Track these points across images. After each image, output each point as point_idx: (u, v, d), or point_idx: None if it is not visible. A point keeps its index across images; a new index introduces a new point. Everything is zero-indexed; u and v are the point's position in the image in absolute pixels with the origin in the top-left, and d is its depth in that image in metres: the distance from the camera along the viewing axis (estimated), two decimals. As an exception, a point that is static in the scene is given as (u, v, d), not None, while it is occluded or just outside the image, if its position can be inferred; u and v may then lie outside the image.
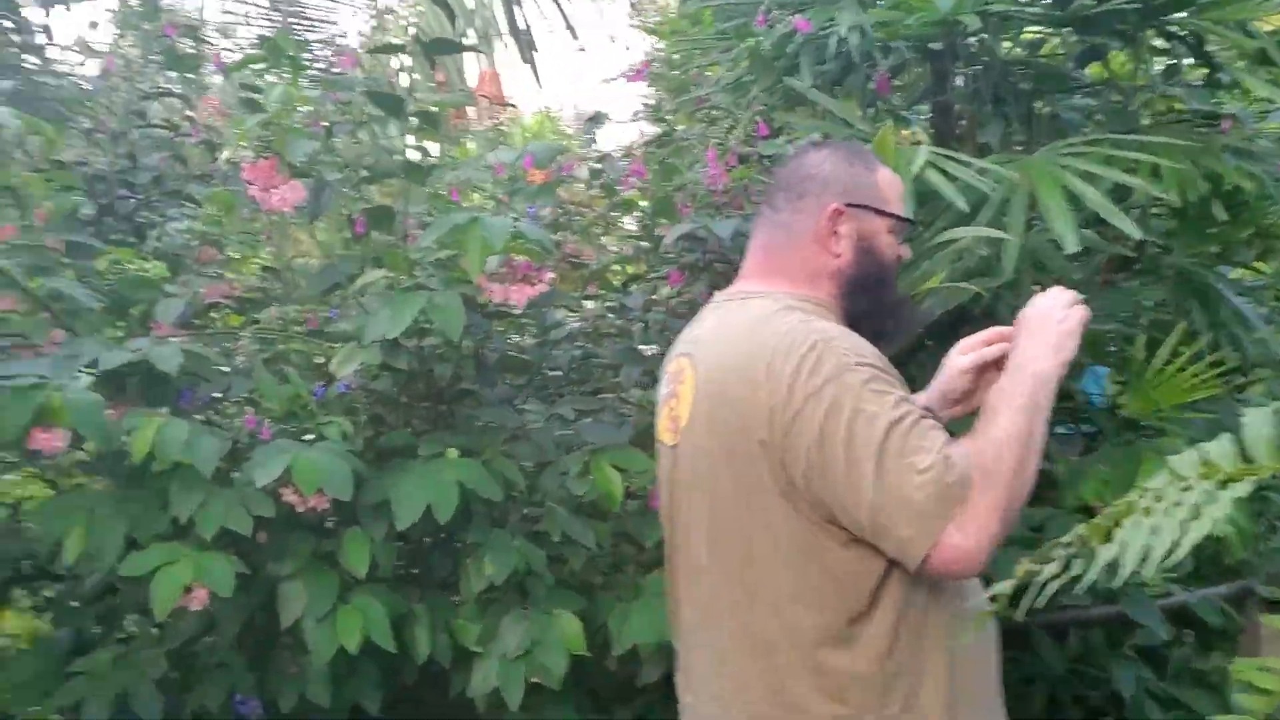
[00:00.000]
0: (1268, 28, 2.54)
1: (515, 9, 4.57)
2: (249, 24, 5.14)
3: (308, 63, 2.57)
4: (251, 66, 2.53)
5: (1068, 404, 2.71)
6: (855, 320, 1.55)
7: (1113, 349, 2.74)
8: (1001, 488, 1.35)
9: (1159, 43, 2.72)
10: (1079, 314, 1.51)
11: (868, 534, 1.37)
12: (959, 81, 2.85)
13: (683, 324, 2.57)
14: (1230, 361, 2.50)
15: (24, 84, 2.47)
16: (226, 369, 2.50)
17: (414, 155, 2.55)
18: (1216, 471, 1.04)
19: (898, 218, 1.61)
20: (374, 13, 4.76)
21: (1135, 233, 2.21)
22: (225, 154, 2.78)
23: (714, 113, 2.79)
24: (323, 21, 5.05)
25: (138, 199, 2.84)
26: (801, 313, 1.49)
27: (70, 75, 2.71)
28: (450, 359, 2.48)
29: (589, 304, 3.07)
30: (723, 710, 1.51)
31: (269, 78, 2.52)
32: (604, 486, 2.35)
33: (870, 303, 1.58)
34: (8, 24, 2.64)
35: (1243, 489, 1.00)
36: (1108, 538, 1.05)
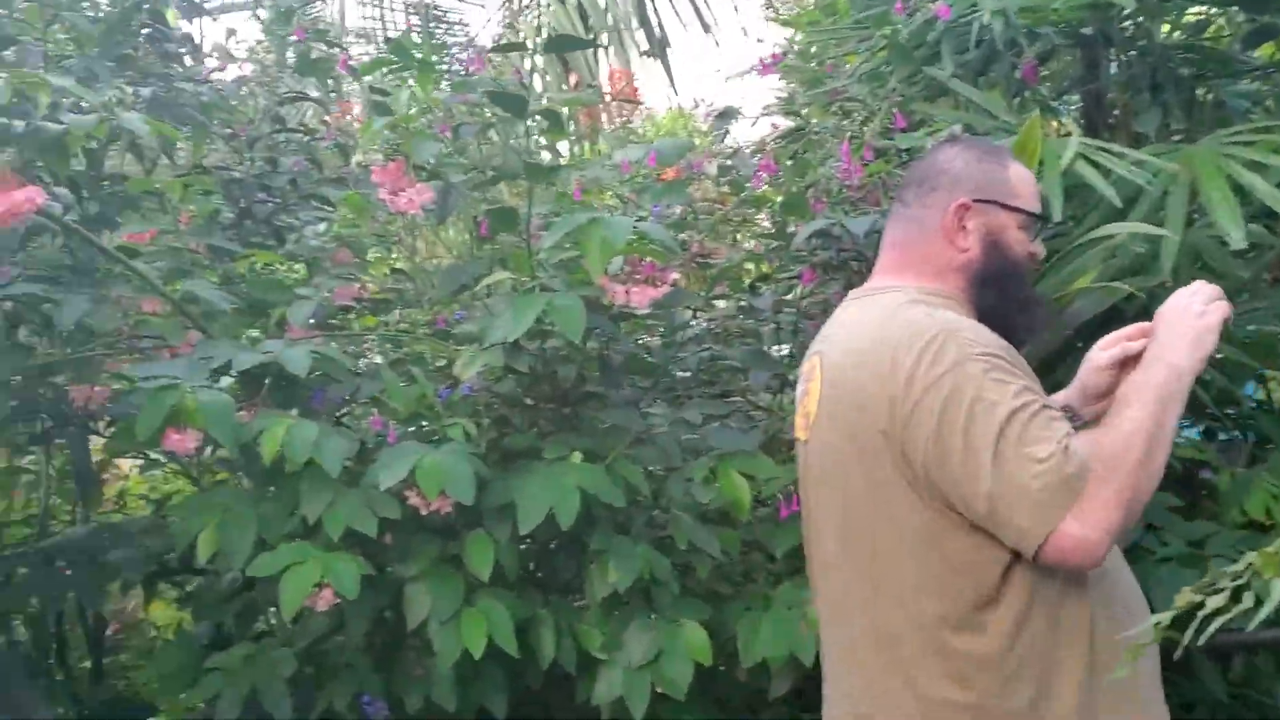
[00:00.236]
0: None
1: (648, 6, 4.53)
2: (386, 30, 5.23)
3: (439, 65, 2.57)
4: (382, 70, 2.54)
5: (1231, 409, 2.54)
6: (984, 315, 1.55)
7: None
8: (1125, 479, 1.34)
9: (1338, 21, 2.51)
10: (1220, 309, 1.48)
11: (984, 522, 1.37)
12: (1112, 68, 2.70)
13: (813, 325, 2.52)
14: None
15: (165, 91, 2.53)
16: (359, 371, 2.53)
17: (545, 156, 2.54)
18: None
19: (1028, 213, 1.60)
20: (507, 15, 4.79)
21: (1310, 226, 2.04)
22: (357, 157, 2.81)
23: (849, 105, 2.69)
24: (459, 25, 5.12)
25: (275, 203, 2.89)
26: (928, 305, 1.50)
27: (210, 82, 2.78)
28: (574, 361, 2.45)
29: (721, 304, 3.01)
30: (852, 706, 1.53)
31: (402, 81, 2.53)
32: (731, 494, 2.29)
33: (999, 297, 1.57)
34: (152, 32, 2.71)
35: None
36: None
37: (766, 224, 2.89)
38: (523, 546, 2.44)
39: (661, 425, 2.57)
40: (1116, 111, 2.66)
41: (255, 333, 2.66)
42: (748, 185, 2.56)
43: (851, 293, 1.68)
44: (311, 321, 2.53)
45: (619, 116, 3.49)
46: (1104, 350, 1.56)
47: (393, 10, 5.15)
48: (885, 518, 1.46)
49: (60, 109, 1.97)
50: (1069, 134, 2.42)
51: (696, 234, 2.60)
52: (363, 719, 2.31)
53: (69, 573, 2.72)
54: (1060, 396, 1.61)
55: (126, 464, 3.47)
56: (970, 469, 1.36)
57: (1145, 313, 2.18)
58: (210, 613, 2.68)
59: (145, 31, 2.75)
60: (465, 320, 2.55)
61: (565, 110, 2.56)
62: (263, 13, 3.24)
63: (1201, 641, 0.98)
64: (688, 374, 2.88)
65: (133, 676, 3.38)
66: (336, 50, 2.85)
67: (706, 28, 4.91)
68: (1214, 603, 0.98)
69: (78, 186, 2.68)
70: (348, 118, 3.17)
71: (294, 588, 2.09)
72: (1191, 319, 1.46)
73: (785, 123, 3.10)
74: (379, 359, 2.59)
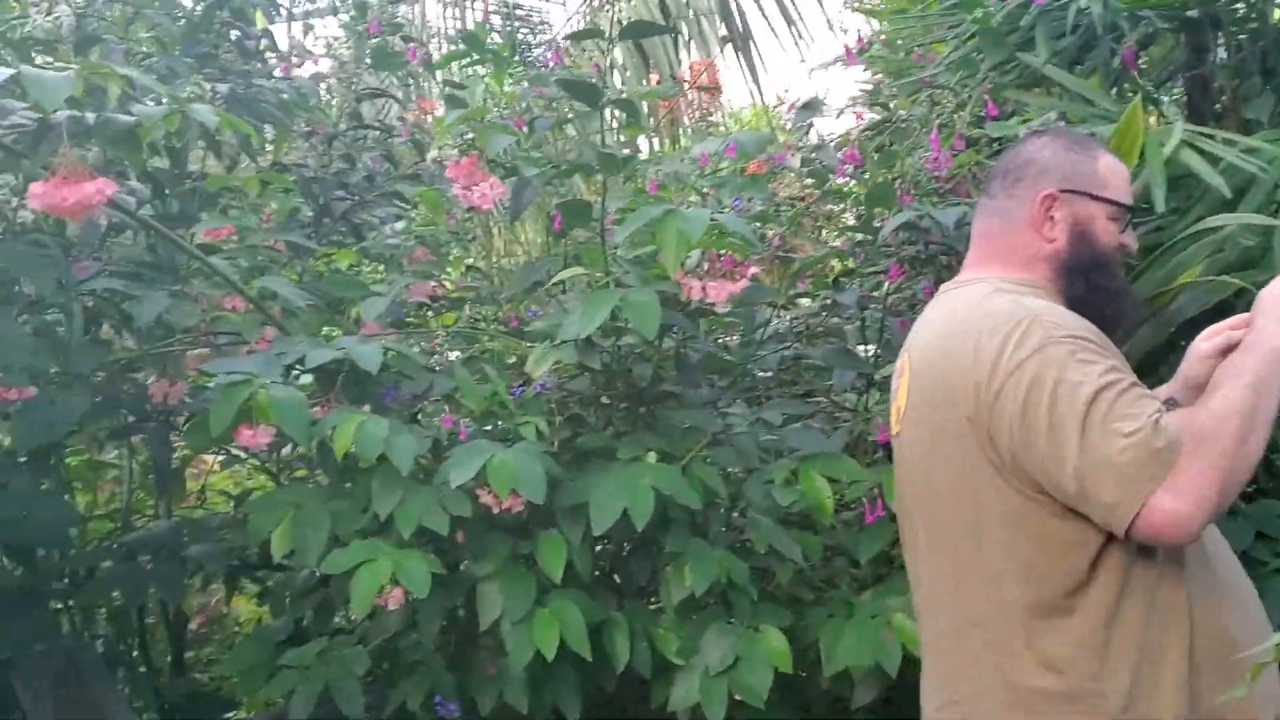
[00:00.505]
0: None
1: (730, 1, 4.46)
2: (462, 26, 5.24)
3: (518, 62, 2.54)
4: (458, 63, 2.51)
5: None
6: (1073, 305, 1.54)
7: None
8: (1218, 456, 1.32)
9: None
10: None
11: (1074, 501, 1.36)
12: (1220, 53, 2.56)
13: (900, 322, 2.43)
14: None
15: (244, 89, 2.54)
16: (435, 368, 2.51)
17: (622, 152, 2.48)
18: None
19: (1117, 204, 1.59)
20: (587, 12, 4.76)
21: None
22: (433, 153, 2.79)
23: (938, 93, 2.59)
24: (540, 24, 5.10)
25: (353, 200, 2.89)
26: (1013, 294, 1.50)
27: (290, 79, 2.78)
28: (650, 359, 2.39)
29: (803, 302, 2.93)
30: (946, 693, 1.53)
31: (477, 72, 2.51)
32: (813, 497, 2.21)
33: (1087, 288, 1.56)
34: (233, 31, 2.73)
35: None
36: None
37: (850, 219, 2.81)
38: (596, 548, 2.40)
39: (740, 426, 2.50)
40: (1224, 98, 2.52)
41: (336, 331, 2.66)
42: (831, 176, 2.46)
43: (942, 287, 1.68)
44: (388, 320, 2.53)
45: (699, 111, 3.42)
46: (1207, 340, 1.54)
47: (473, 10, 5.15)
48: (973, 504, 1.46)
49: (131, 102, 1.97)
50: (1172, 121, 2.31)
51: (778, 226, 2.52)
52: (435, 718, 2.29)
53: (150, 567, 2.74)
54: (1164, 390, 1.61)
55: (211, 459, 3.51)
56: (1057, 449, 1.35)
57: (1256, 307, 2.09)
58: (288, 608, 2.69)
59: (226, 30, 2.77)
60: (538, 317, 2.51)
61: (643, 104, 2.50)
62: (343, 14, 3.25)
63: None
64: (768, 373, 2.81)
65: (215, 671, 3.42)
66: (412, 44, 2.84)
67: (790, 21, 4.82)
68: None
69: (160, 184, 2.71)
70: (426, 116, 3.16)
71: (365, 585, 2.06)
72: None
73: (870, 116, 3.01)
74: (453, 356, 2.56)
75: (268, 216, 2.79)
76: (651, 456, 2.27)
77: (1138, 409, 1.34)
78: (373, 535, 2.19)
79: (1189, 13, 2.43)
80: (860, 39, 2.73)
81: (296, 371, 2.37)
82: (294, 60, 2.85)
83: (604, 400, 2.54)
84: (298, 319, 2.45)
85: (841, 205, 2.77)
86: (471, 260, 3.10)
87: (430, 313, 2.92)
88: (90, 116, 1.90)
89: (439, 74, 3.32)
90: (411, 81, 3.32)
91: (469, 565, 2.27)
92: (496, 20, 5.41)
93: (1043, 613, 1.41)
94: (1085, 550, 1.39)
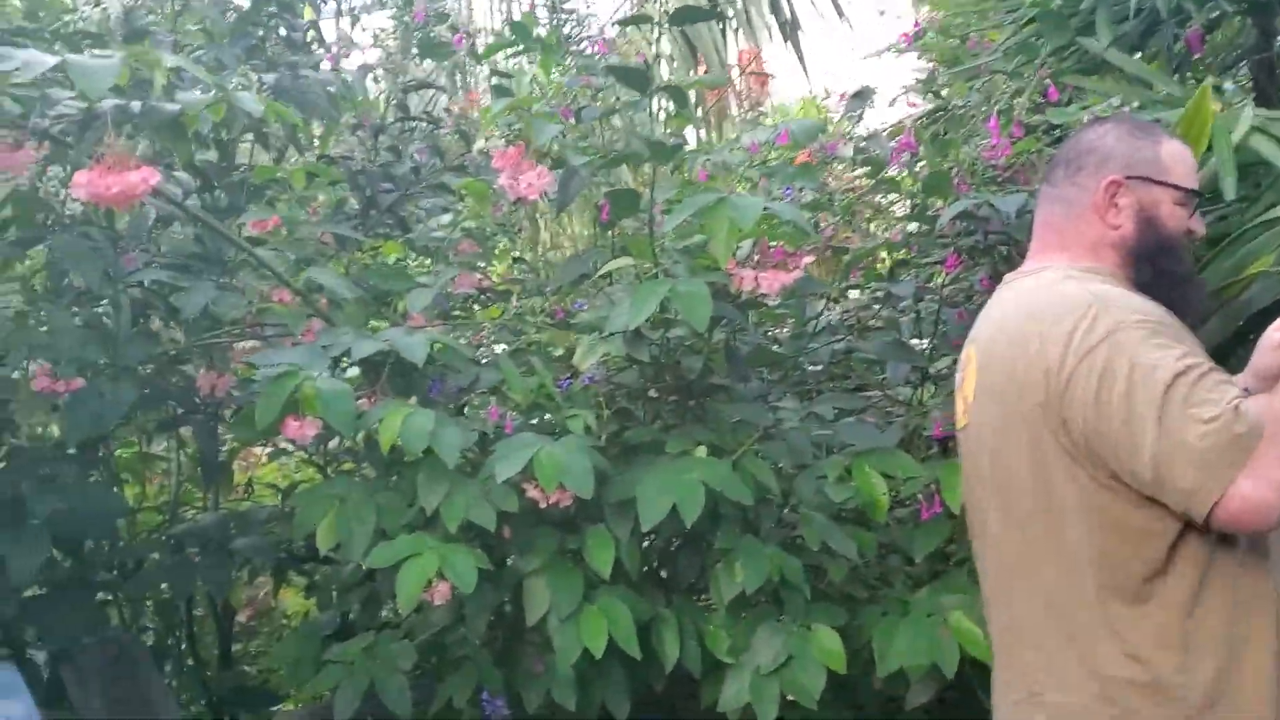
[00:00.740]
0: None
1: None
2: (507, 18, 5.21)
3: (566, 52, 2.51)
4: (505, 52, 2.48)
5: None
6: (1140, 291, 1.52)
7: None
8: None
9: None
10: None
11: (1150, 488, 1.34)
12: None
13: (958, 314, 2.37)
14: None
15: (291, 80, 2.52)
16: (482, 361, 2.48)
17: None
18: None
19: (1182, 189, 1.56)
20: (635, 2, 4.71)
21: None
22: (479, 144, 2.77)
23: (994, 80, 2.52)
24: (588, 16, 5.06)
25: (399, 192, 2.87)
26: (1082, 280, 1.49)
27: (337, 70, 2.77)
28: (699, 350, 2.35)
29: (854, 294, 2.87)
30: (1026, 684, 1.50)
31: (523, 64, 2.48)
32: (868, 493, 2.17)
33: (1155, 274, 1.54)
34: (280, 23, 2.72)
35: None
36: None
37: (902, 210, 2.75)
38: (644, 544, 2.36)
39: (790, 420, 2.45)
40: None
41: (382, 324, 2.64)
42: (887, 164, 2.40)
43: (1005, 277, 1.66)
44: (434, 312, 2.50)
45: (747, 101, 3.37)
46: (1278, 330, 1.48)
47: (520, 2, 5.13)
48: (1047, 493, 1.44)
49: (175, 91, 1.97)
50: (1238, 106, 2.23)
51: (832, 217, 2.47)
52: (482, 715, 2.26)
53: (198, 560, 2.74)
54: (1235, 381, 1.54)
55: (260, 451, 3.51)
56: (1133, 434, 1.33)
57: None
58: (335, 601, 2.67)
59: (274, 23, 2.76)
60: (585, 309, 2.48)
61: (690, 93, 2.45)
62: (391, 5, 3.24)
63: None
64: (818, 367, 2.76)
65: (263, 664, 3.42)
66: (459, 34, 2.81)
67: (840, 11, 4.75)
68: None
69: (207, 178, 2.71)
70: (471, 108, 3.14)
71: (411, 580, 2.04)
72: None
73: (922, 105, 2.95)
74: (499, 349, 2.54)
75: (314, 209, 2.79)
76: (701, 451, 2.23)
77: (1217, 394, 1.31)
78: (418, 529, 2.16)
79: (1257, -5, 2.35)
80: (917, 23, 2.67)
81: (343, 364, 2.35)
82: (341, 52, 2.83)
83: (651, 394, 2.50)
84: (344, 311, 2.43)
85: (894, 196, 2.71)
86: (518, 253, 3.07)
87: (476, 306, 2.90)
88: (135, 105, 1.89)
89: (484, 67, 3.29)
90: (458, 74, 3.30)
91: (515, 561, 2.24)
92: (543, 13, 5.38)
93: (1122, 601, 1.39)
94: (1162, 538, 1.37)
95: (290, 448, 3.11)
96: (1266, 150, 1.91)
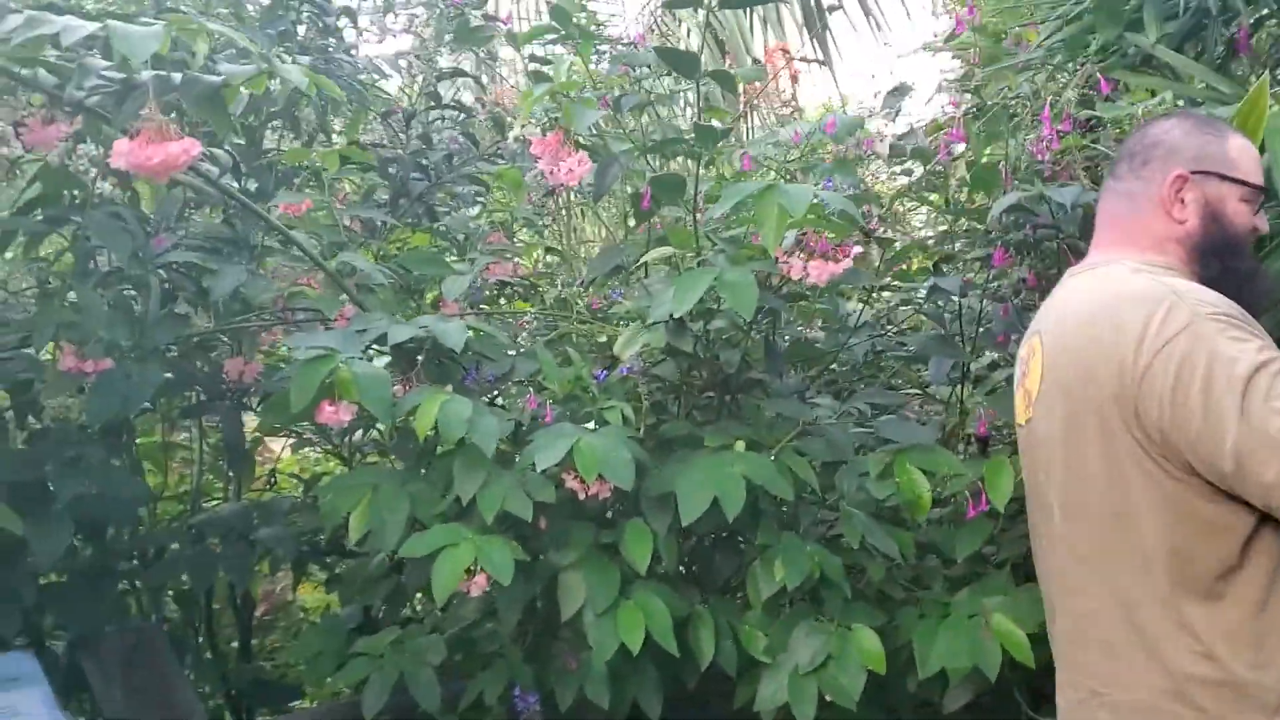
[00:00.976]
0: None
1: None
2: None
3: (601, 38, 2.47)
4: (542, 39, 2.44)
5: None
6: (1207, 286, 1.48)
7: None
8: None
9: None
10: None
11: (1230, 481, 1.32)
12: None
13: (1003, 309, 2.32)
14: None
15: (322, 66, 2.48)
16: (514, 350, 2.44)
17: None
18: None
19: (1249, 185, 1.54)
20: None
21: None
22: (515, 131, 2.72)
23: (1038, 76, 2.47)
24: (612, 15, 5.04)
25: (430, 180, 2.83)
26: (1152, 274, 1.47)
27: (370, 56, 2.74)
28: (737, 344, 2.30)
29: (885, 295, 2.83)
30: (1091, 683, 1.48)
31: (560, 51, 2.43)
32: (909, 491, 2.12)
33: (1221, 269, 1.52)
34: (312, 7, 2.68)
35: None
36: None
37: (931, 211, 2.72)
38: (681, 540, 2.31)
39: (828, 416, 2.40)
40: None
41: (412, 309, 2.60)
42: (934, 157, 2.35)
43: (1069, 270, 1.65)
44: (467, 301, 2.46)
45: (778, 99, 3.33)
46: None
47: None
48: (1119, 486, 1.42)
49: (217, 65, 1.92)
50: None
51: (876, 210, 2.42)
52: (513, 712, 2.21)
53: (219, 550, 2.69)
54: None
55: (278, 444, 3.47)
56: (1213, 427, 1.31)
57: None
58: (358, 595, 2.62)
59: (305, 7, 2.72)
60: (620, 299, 2.44)
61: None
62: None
63: None
64: (847, 367, 2.72)
65: (281, 657, 3.37)
66: (495, 20, 2.77)
67: (866, 11, 4.71)
68: None
69: (236, 163, 2.67)
70: (504, 97, 3.10)
71: (447, 571, 1.99)
72: None
73: (961, 103, 2.90)
74: (530, 338, 2.49)
75: (343, 197, 2.75)
76: (740, 445, 2.18)
77: None
78: (452, 520, 2.12)
79: (1312, -11, 2.30)
80: (959, 20, 2.62)
81: (373, 352, 2.31)
82: (374, 38, 2.80)
83: (687, 387, 2.45)
84: (377, 296, 2.39)
85: (935, 192, 2.66)
86: (550, 243, 3.03)
87: (506, 297, 2.86)
88: (176, 76, 1.84)
89: (517, 57, 3.25)
90: (491, 63, 3.26)
91: (550, 554, 2.19)
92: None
93: (1194, 597, 1.37)
94: (1236, 533, 1.35)
95: (314, 439, 3.06)
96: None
